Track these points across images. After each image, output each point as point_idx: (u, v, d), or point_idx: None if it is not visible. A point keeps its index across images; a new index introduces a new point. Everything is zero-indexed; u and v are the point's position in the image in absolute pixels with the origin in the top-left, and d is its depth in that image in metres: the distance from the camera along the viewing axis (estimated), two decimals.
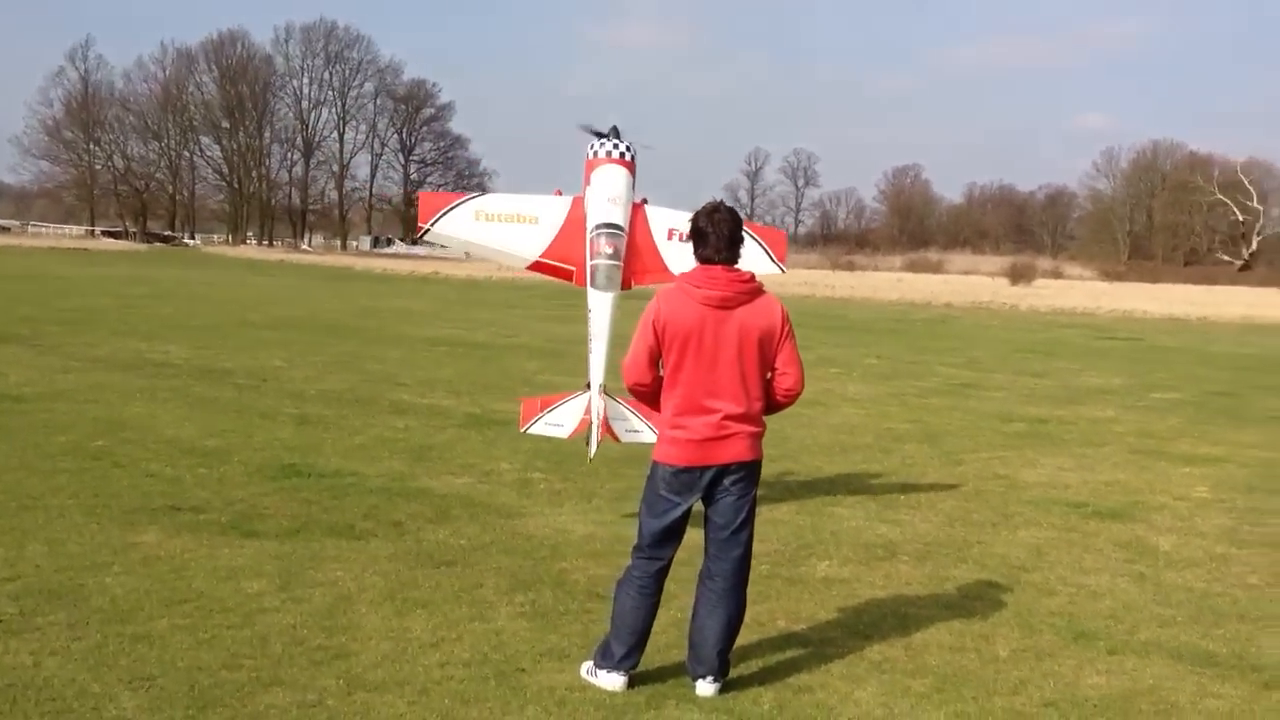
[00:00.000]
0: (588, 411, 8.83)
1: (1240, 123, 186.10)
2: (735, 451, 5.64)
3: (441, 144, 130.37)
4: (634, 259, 9.19)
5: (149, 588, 6.94)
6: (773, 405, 5.79)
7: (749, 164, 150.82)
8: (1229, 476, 12.24)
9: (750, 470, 5.72)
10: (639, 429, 8.85)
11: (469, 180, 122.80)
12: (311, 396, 15.26)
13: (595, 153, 9.46)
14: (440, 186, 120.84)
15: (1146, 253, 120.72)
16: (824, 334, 30.82)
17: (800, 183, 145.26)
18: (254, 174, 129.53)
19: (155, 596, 6.79)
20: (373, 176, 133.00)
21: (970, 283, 75.31)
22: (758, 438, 5.71)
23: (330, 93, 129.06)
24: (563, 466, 11.18)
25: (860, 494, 10.71)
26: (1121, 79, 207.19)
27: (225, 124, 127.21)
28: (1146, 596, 7.76)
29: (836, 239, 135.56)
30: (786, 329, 5.71)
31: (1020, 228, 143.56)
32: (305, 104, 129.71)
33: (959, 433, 14.77)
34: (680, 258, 8.87)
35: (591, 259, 9.04)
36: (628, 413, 8.95)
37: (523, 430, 9.04)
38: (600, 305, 8.96)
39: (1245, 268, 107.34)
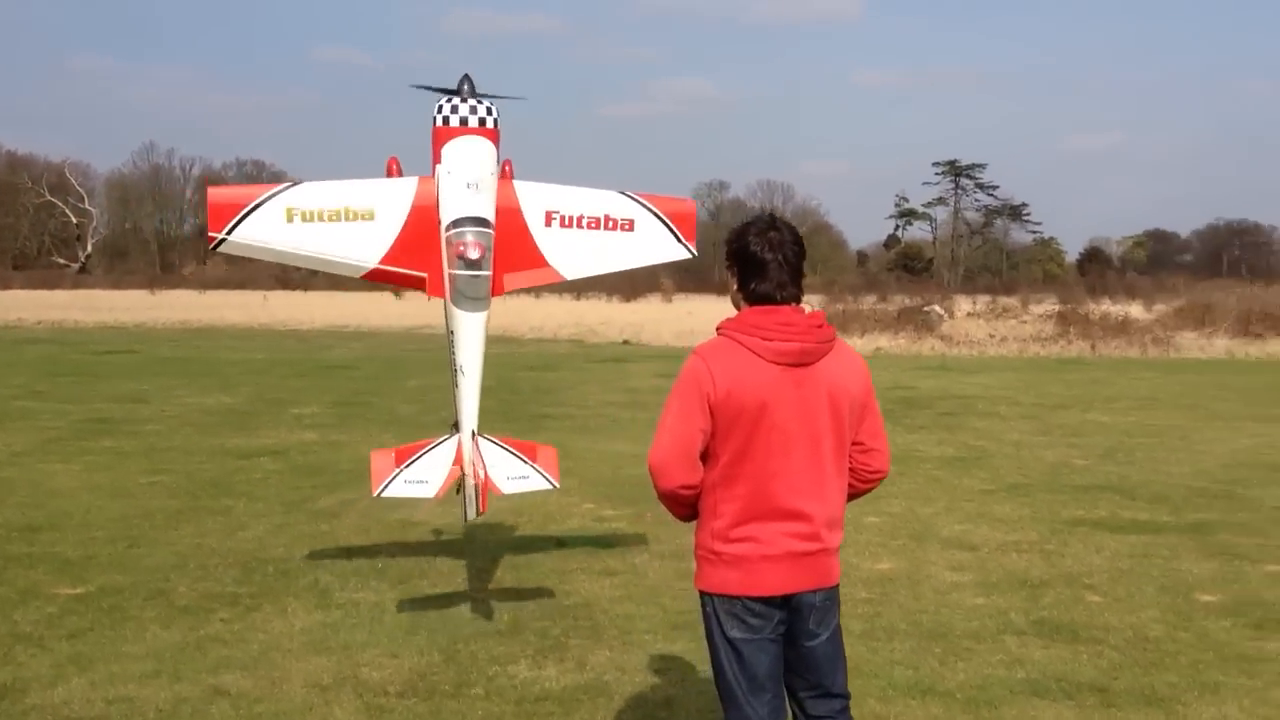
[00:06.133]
0: (458, 460, 7.14)
1: (53, 126, 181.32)
2: (823, 573, 4.02)
3: None
4: (500, 251, 7.13)
5: None
6: (851, 494, 4.16)
7: None
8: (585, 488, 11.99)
9: (836, 598, 4.13)
10: (525, 474, 7.29)
11: None
12: None
13: (445, 119, 7.10)
14: None
15: None
16: None
17: None
18: None
19: None
20: None
21: None
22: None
23: None
24: None
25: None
26: None
27: None
28: None
29: None
30: (871, 386, 4.16)
31: None
32: None
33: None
34: (563, 250, 7.34)
35: (451, 266, 6.95)
36: (506, 455, 7.34)
37: (376, 494, 7.11)
38: (468, 330, 7.11)
39: (83, 269, 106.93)
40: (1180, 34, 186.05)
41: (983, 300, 49.86)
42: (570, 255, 7.54)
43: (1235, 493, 11.92)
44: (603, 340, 36.97)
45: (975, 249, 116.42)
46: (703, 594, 4.03)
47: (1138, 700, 6.15)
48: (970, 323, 39.76)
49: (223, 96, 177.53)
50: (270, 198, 6.99)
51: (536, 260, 7.49)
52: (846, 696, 4.13)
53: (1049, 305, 44.66)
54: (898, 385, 23.05)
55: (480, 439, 7.30)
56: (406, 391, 21.64)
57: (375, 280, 7.38)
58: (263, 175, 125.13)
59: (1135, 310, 45.05)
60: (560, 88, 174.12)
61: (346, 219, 7.04)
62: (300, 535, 9.77)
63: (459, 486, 7.17)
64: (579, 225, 7.50)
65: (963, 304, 46.57)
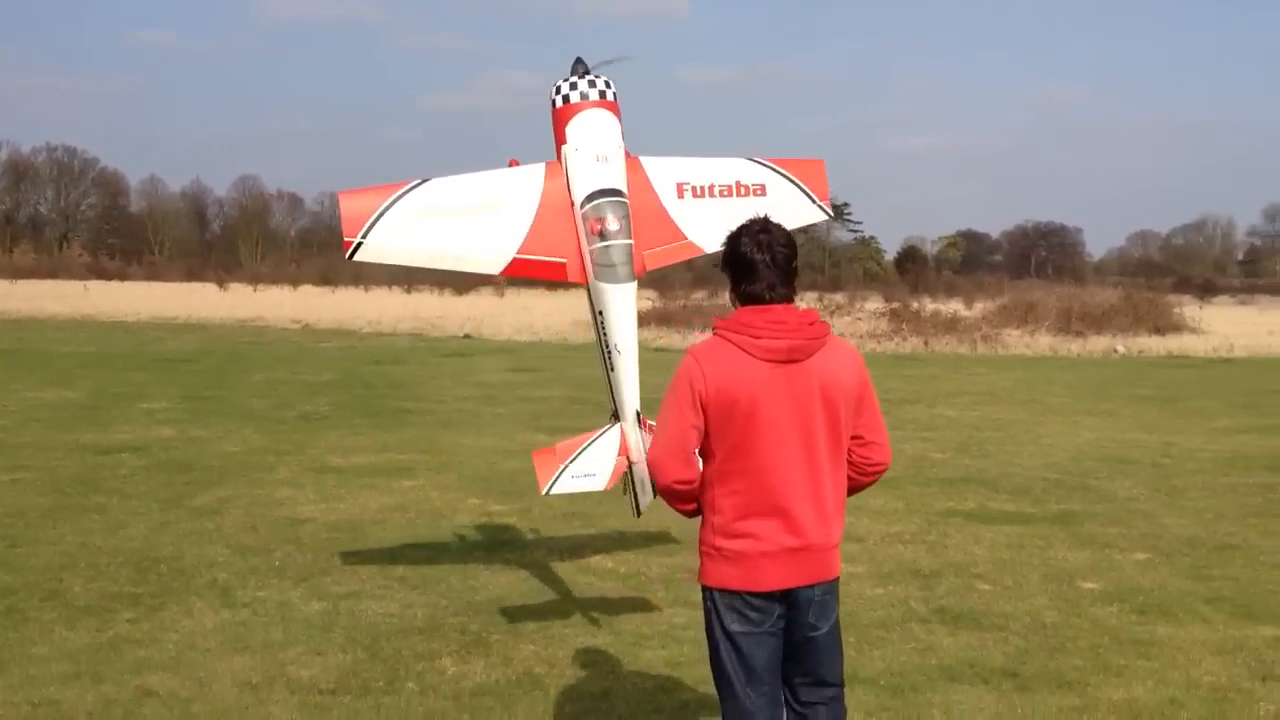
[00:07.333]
0: (623, 450, 6.73)
1: None
2: (821, 567, 4.09)
3: None
4: (637, 230, 6.87)
5: None
6: (852, 488, 4.24)
7: None
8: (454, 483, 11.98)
9: (835, 591, 4.21)
10: None
11: None
12: None
13: (565, 98, 6.94)
14: None
15: None
16: None
17: None
18: None
19: None
20: None
21: None
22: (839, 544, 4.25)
23: None
24: None
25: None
26: None
27: None
28: None
29: None
30: (867, 380, 4.25)
31: None
32: None
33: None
34: (699, 221, 7.00)
35: (591, 243, 6.79)
36: None
37: (544, 492, 6.75)
38: (618, 303, 6.74)
39: None
40: (991, 37, 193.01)
41: (809, 297, 50.82)
42: (707, 226, 7.12)
43: (1089, 484, 12.52)
44: (443, 334, 36.68)
45: (799, 246, 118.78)
46: (704, 588, 4.12)
47: (1049, 683, 6.45)
48: None
49: (33, 78, 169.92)
50: (400, 197, 6.81)
51: (674, 234, 7.15)
52: (840, 685, 4.27)
53: (876, 303, 45.83)
54: None
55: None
56: (254, 386, 21.18)
57: (514, 274, 7.07)
58: (75, 160, 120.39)
59: (957, 308, 46.63)
60: (378, 78, 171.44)
61: (480, 211, 6.89)
62: (186, 533, 9.54)
63: (626, 478, 6.88)
64: (711, 194, 7.25)
65: (796, 301, 47.38)
